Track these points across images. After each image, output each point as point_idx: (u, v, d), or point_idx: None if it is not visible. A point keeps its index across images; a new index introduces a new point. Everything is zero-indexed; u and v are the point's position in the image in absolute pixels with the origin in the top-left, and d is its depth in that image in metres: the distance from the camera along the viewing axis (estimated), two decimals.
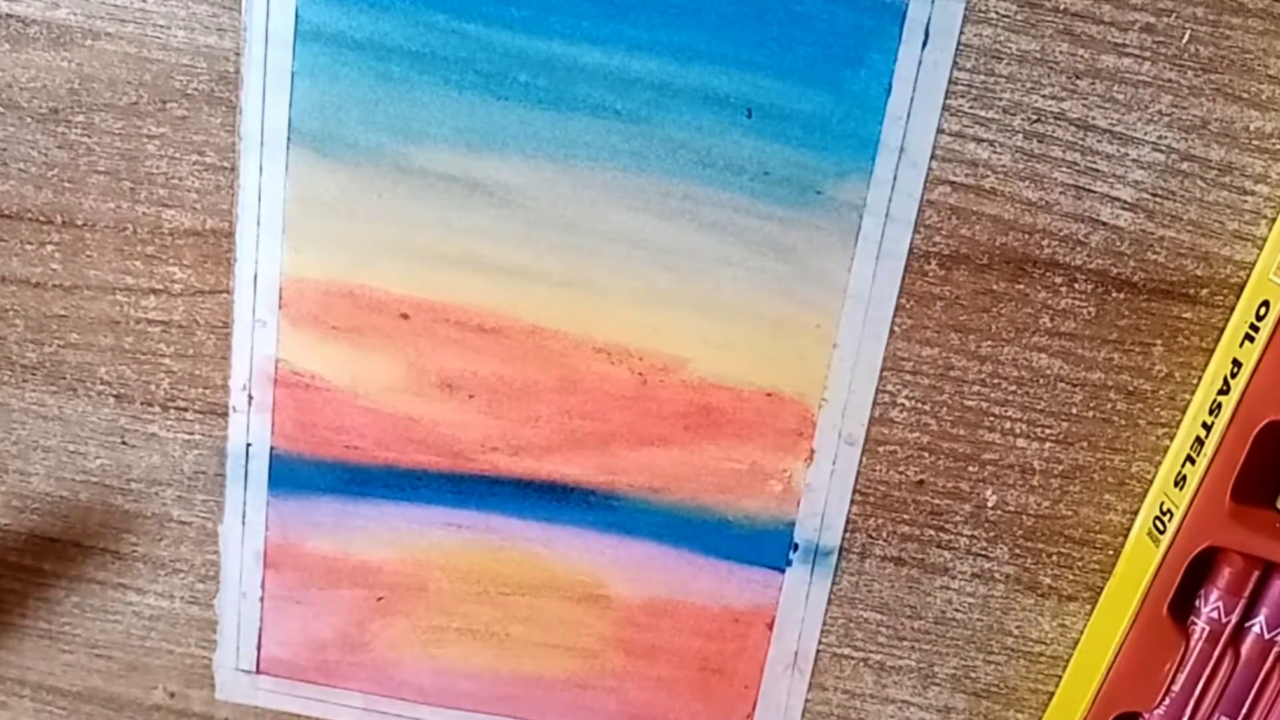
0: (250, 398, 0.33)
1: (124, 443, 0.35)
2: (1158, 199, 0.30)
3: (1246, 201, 0.30)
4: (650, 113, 0.30)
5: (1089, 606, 0.34)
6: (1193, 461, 0.31)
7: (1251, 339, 0.29)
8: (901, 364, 0.32)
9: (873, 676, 0.35)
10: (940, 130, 0.30)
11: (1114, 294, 0.31)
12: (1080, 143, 0.30)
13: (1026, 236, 0.30)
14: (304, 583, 0.35)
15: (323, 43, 0.30)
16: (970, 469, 0.33)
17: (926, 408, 0.32)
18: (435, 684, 0.36)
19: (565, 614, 0.35)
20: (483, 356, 0.32)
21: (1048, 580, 0.34)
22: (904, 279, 0.31)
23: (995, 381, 0.32)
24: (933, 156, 0.30)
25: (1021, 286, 0.31)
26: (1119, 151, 0.30)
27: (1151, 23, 0.28)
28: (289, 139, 0.31)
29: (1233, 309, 0.31)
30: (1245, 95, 0.29)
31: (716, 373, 0.32)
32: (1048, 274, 0.31)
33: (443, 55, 0.30)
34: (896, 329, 0.32)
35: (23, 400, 0.34)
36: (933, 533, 0.34)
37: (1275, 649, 0.31)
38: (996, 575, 0.34)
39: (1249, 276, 0.30)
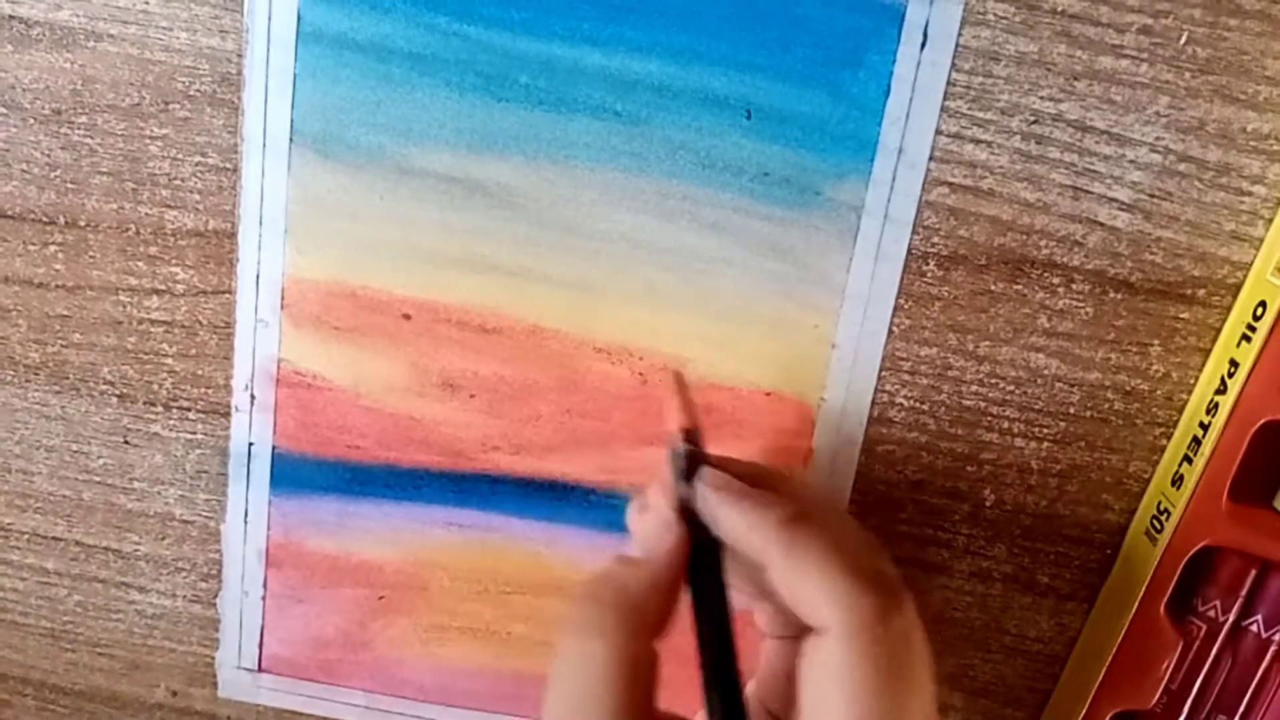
0: (252, 397, 0.33)
1: (127, 442, 0.35)
2: (1155, 200, 0.30)
3: (1243, 202, 0.30)
4: (650, 114, 0.30)
5: (1086, 605, 0.34)
6: (1190, 461, 0.31)
7: (1248, 339, 0.29)
8: (900, 364, 0.32)
9: None
10: (938, 131, 0.30)
11: (1111, 294, 0.31)
12: (1078, 144, 0.30)
13: (1024, 237, 0.31)
14: (306, 581, 0.35)
15: (324, 44, 0.30)
16: (968, 469, 0.33)
17: (925, 408, 0.32)
18: (436, 682, 0.36)
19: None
20: (484, 356, 0.33)
21: (1045, 579, 0.34)
22: (903, 279, 0.31)
23: (993, 381, 0.32)
24: (931, 158, 0.30)
25: (1019, 287, 0.31)
26: (1116, 153, 0.30)
27: (1149, 24, 0.29)
28: (291, 140, 0.31)
29: (1230, 309, 0.31)
30: (1242, 96, 0.29)
31: (716, 373, 0.32)
32: (1045, 274, 0.31)
33: (444, 57, 0.30)
34: (895, 329, 0.32)
35: (26, 400, 0.35)
36: (931, 532, 0.34)
37: (1272, 647, 0.31)
38: (994, 574, 0.34)
39: (1246, 277, 0.30)
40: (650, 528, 0.28)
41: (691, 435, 0.28)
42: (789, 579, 0.24)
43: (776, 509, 0.25)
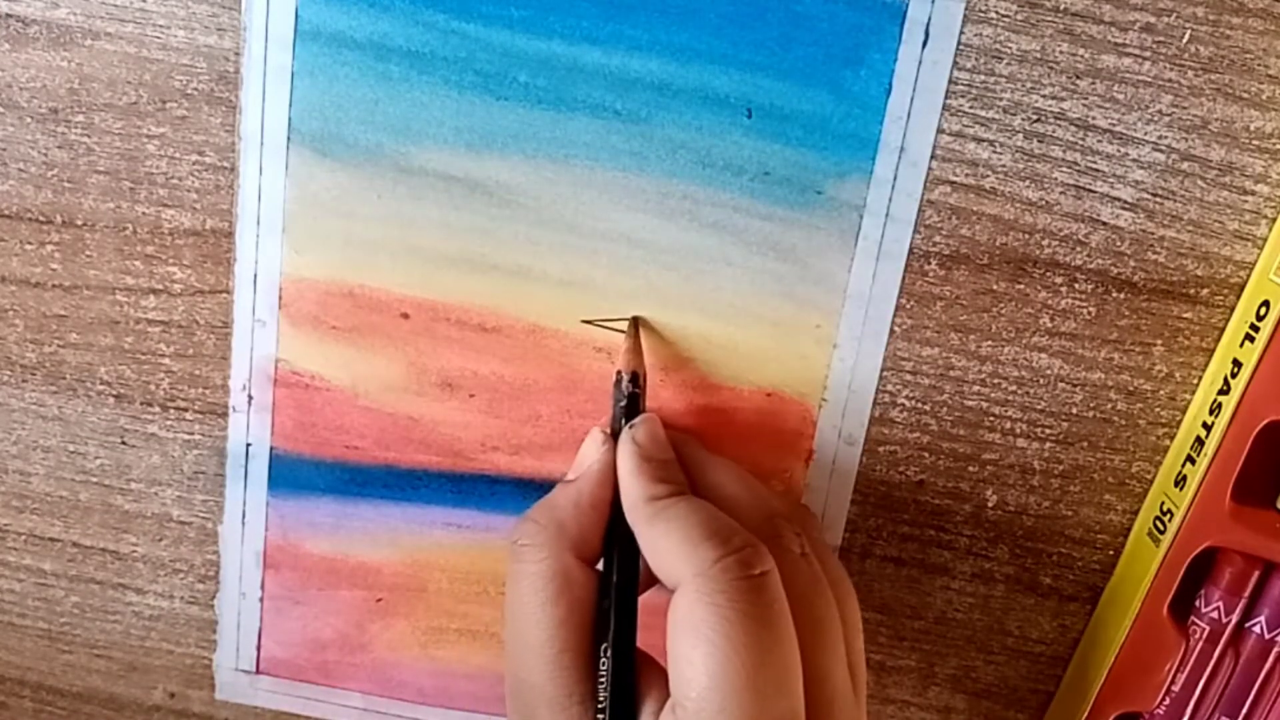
0: (250, 398, 0.33)
1: (124, 443, 0.35)
2: (1158, 199, 0.30)
3: (1247, 201, 0.30)
4: (650, 113, 0.30)
5: (1089, 606, 0.34)
6: (1193, 461, 0.31)
7: (1252, 339, 0.29)
8: (901, 364, 0.32)
9: (873, 676, 0.35)
10: (940, 130, 0.30)
11: (1114, 294, 0.31)
12: (1080, 143, 0.30)
13: (1027, 236, 0.30)
14: (303, 583, 0.35)
15: (322, 42, 0.30)
16: (970, 469, 0.33)
17: (926, 408, 0.32)
18: (435, 684, 0.36)
19: None
20: (483, 356, 0.32)
21: (1048, 580, 0.34)
22: (904, 279, 0.31)
23: (995, 382, 0.32)
24: (933, 156, 0.30)
25: (1022, 286, 0.31)
26: (1119, 151, 0.30)
27: (1152, 23, 0.28)
28: (289, 139, 0.31)
29: (1233, 309, 0.31)
30: (1245, 95, 0.29)
31: (716, 373, 0.32)
32: (1048, 274, 0.31)
33: (442, 55, 0.30)
34: (896, 329, 0.32)
35: (23, 400, 0.34)
36: (933, 533, 0.34)
37: (1275, 649, 0.31)
38: (997, 575, 0.34)
39: (1249, 276, 0.30)
40: (584, 450, 0.30)
41: (635, 379, 0.30)
42: (649, 548, 0.27)
43: (653, 487, 0.27)
